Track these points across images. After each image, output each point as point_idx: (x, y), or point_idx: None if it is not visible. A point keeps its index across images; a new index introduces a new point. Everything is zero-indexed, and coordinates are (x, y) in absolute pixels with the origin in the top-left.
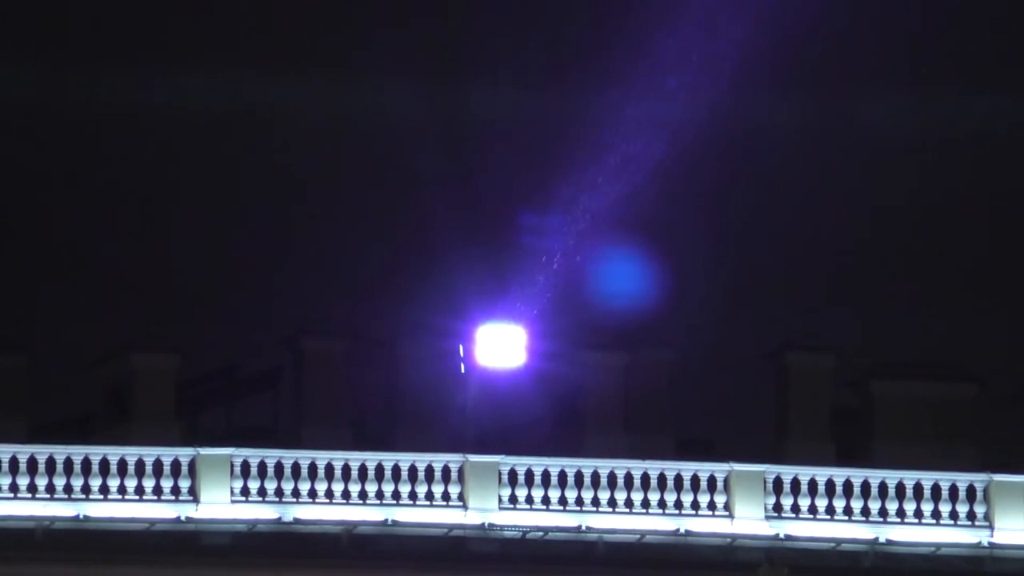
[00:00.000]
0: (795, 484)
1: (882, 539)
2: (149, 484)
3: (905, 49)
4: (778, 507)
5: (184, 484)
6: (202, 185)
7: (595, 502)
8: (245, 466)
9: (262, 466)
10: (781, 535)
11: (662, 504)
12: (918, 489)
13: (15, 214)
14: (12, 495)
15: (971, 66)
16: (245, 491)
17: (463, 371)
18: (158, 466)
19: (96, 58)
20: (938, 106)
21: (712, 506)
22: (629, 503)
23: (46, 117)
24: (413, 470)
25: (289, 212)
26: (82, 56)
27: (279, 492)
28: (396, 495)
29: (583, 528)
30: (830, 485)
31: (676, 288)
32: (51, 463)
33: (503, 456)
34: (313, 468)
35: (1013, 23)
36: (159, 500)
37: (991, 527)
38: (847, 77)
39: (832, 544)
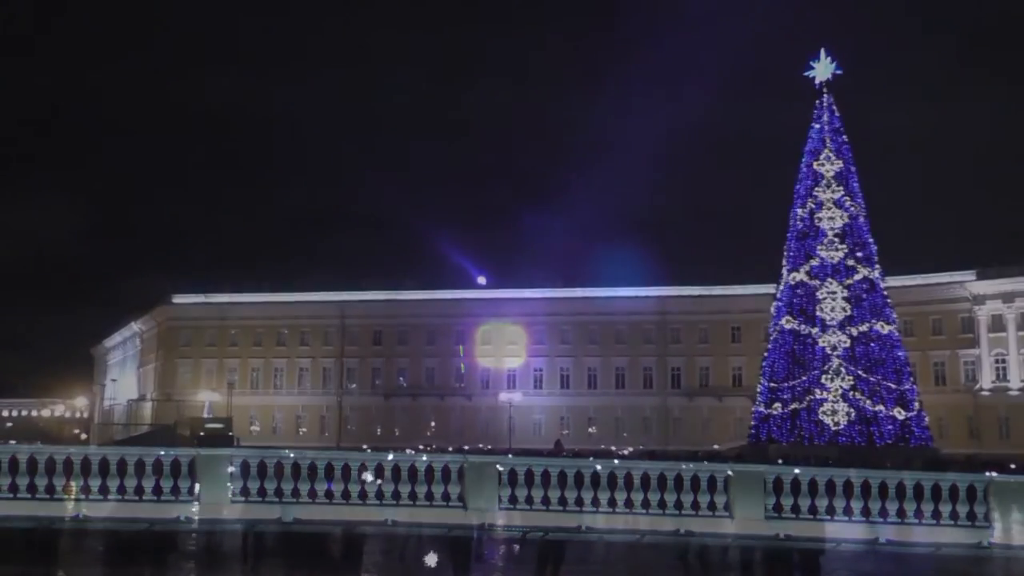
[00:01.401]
0: (795, 484)
1: (882, 539)
2: (149, 484)
3: None
4: (778, 507)
5: (184, 484)
6: None
7: (595, 502)
8: (245, 466)
9: (262, 466)
10: (781, 535)
11: (662, 504)
12: (918, 489)
13: None
14: (12, 495)
15: None
16: (245, 491)
17: (463, 369)
18: (158, 466)
19: None
20: None
21: (712, 506)
22: (629, 503)
23: None
24: (413, 470)
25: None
26: None
27: (279, 492)
28: (396, 495)
29: (583, 528)
30: (830, 485)
31: None
32: (51, 463)
33: (503, 456)
34: (313, 468)
35: None
36: (159, 500)
37: (991, 527)
38: None
39: (832, 544)
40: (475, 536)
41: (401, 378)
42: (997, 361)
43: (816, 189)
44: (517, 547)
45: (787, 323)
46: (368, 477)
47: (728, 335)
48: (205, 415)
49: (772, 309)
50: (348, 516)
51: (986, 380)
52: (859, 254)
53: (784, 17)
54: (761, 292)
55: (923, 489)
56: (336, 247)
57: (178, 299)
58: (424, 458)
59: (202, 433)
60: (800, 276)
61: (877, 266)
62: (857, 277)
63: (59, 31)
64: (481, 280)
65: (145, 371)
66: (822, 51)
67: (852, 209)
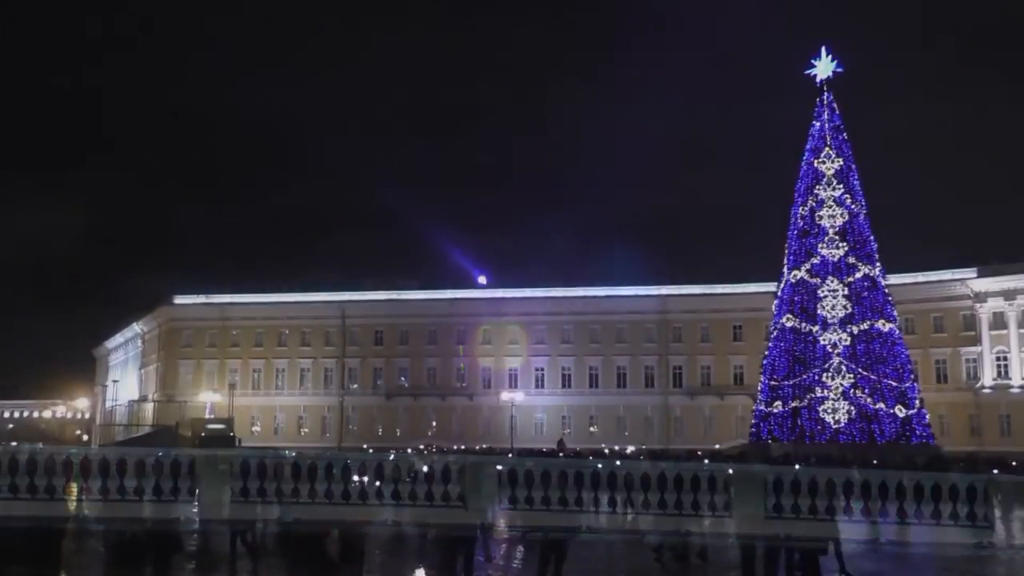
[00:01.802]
0: (795, 484)
1: (883, 539)
2: (149, 484)
3: None
4: (778, 507)
5: (184, 484)
6: None
7: (595, 502)
8: (245, 466)
9: (262, 466)
10: (781, 535)
11: (662, 504)
12: (918, 489)
13: None
14: (12, 495)
15: None
16: (245, 491)
17: (463, 369)
18: (158, 466)
19: None
20: None
21: (712, 506)
22: (629, 503)
23: None
24: (413, 470)
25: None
26: None
27: (279, 492)
28: (396, 495)
29: (583, 528)
30: (830, 485)
31: None
32: (51, 463)
33: (503, 456)
34: (313, 468)
35: None
36: (159, 500)
37: (991, 527)
38: None
39: (832, 544)
40: (475, 536)
41: (403, 378)
42: (998, 358)
43: (817, 187)
44: (517, 547)
45: (788, 321)
46: (357, 479)
47: (729, 333)
48: (207, 416)
49: (773, 307)
50: (348, 516)
51: (987, 377)
52: (860, 252)
53: (784, 17)
54: (762, 290)
55: (923, 489)
56: (336, 247)
57: (179, 300)
58: (424, 458)
59: (204, 434)
60: (801, 274)
61: (878, 264)
62: (858, 275)
63: (59, 31)
64: (482, 280)
65: (147, 372)
66: (823, 49)
67: (853, 207)
